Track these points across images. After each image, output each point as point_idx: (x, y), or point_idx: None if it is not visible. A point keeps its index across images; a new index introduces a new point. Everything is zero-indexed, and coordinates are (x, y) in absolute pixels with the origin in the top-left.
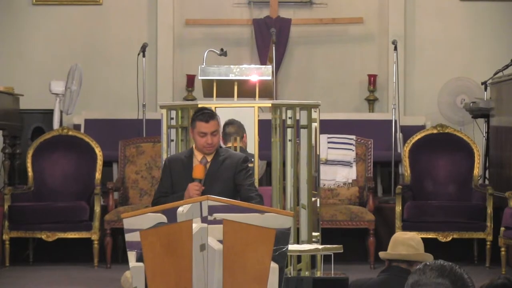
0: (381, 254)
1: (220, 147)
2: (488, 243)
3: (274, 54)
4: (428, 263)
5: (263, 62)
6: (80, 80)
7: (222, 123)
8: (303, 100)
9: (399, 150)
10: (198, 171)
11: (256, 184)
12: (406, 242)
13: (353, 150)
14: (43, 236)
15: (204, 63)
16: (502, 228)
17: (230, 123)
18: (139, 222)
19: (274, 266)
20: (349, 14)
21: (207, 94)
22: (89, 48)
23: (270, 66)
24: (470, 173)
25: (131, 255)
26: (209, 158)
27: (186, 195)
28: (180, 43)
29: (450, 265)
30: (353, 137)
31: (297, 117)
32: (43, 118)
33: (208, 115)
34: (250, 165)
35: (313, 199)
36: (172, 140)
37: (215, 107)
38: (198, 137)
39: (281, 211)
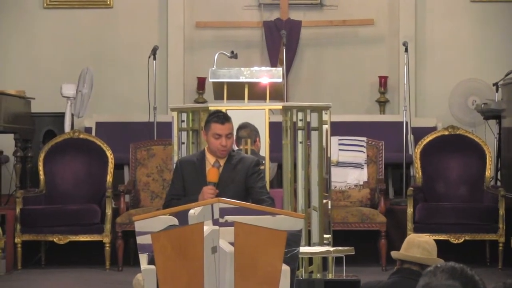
0: (394, 254)
1: (233, 150)
2: (501, 244)
3: (285, 56)
4: (439, 265)
5: (273, 64)
6: (91, 83)
7: (235, 126)
8: (314, 102)
9: (410, 152)
10: (213, 175)
11: (267, 186)
12: (421, 245)
13: (364, 152)
14: (55, 239)
15: (214, 66)
16: None
17: (243, 126)
18: (150, 224)
19: (285, 269)
20: (359, 15)
21: (218, 96)
22: (100, 51)
23: (281, 68)
24: (482, 175)
25: (143, 258)
26: (221, 162)
27: (200, 199)
28: (190, 46)
29: (461, 267)
30: (364, 139)
31: (308, 119)
32: (54, 121)
33: (223, 117)
34: (261, 167)
35: (324, 201)
36: (183, 143)
37: (226, 110)
38: (212, 139)
39: (292, 213)
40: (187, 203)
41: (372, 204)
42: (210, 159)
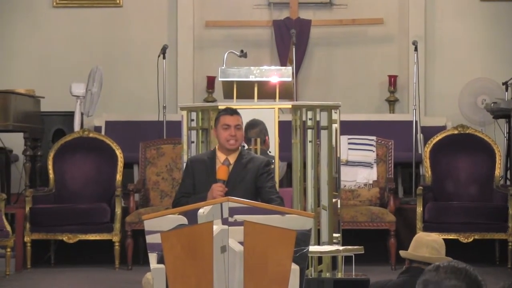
0: (402, 253)
1: (243, 149)
2: (510, 244)
3: (294, 55)
4: (441, 265)
5: (283, 63)
6: (100, 82)
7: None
8: (323, 101)
9: (419, 151)
10: (222, 172)
11: (277, 185)
12: (430, 244)
13: (373, 151)
14: (65, 238)
15: (224, 65)
16: None
17: (252, 126)
18: (160, 223)
19: (295, 268)
20: (369, 15)
21: (227, 95)
22: (110, 50)
23: (290, 68)
24: (491, 174)
25: (152, 257)
26: (232, 160)
27: (209, 196)
28: (200, 45)
29: (464, 267)
30: (374, 138)
31: (318, 118)
32: (64, 120)
33: (231, 110)
34: (271, 167)
35: (333, 200)
36: (193, 142)
37: (236, 109)
38: (221, 130)
39: (302, 212)
40: (196, 201)
41: (382, 203)
42: (220, 157)
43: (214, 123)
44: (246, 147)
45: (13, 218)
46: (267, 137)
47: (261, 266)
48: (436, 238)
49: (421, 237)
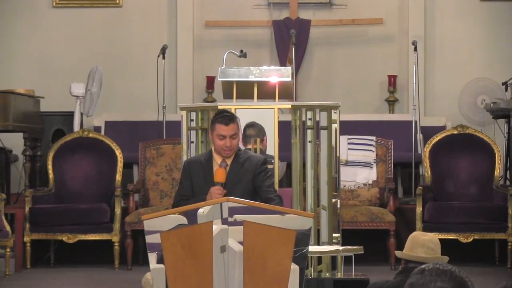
0: (398, 253)
1: (239, 149)
2: (510, 244)
3: (294, 56)
4: (426, 268)
5: (283, 63)
6: (100, 82)
7: (242, 125)
8: (323, 101)
9: (419, 151)
10: (220, 175)
11: (276, 185)
12: (425, 244)
13: (373, 151)
14: (64, 238)
15: (224, 65)
16: None
17: (251, 125)
18: (159, 223)
19: (294, 268)
20: (369, 15)
21: (227, 95)
22: (109, 50)
23: (290, 68)
24: (491, 174)
25: (152, 257)
26: (228, 161)
27: (208, 199)
28: (200, 45)
29: (450, 269)
30: (373, 138)
31: (317, 118)
32: (63, 120)
33: (228, 118)
34: (270, 166)
35: (333, 200)
36: (192, 142)
37: (235, 109)
38: (217, 139)
39: (302, 212)
40: (196, 203)
41: (381, 203)
42: (217, 159)
43: (210, 125)
44: (244, 147)
45: (13, 218)
46: (265, 137)
47: (260, 266)
48: (432, 237)
49: (416, 237)
